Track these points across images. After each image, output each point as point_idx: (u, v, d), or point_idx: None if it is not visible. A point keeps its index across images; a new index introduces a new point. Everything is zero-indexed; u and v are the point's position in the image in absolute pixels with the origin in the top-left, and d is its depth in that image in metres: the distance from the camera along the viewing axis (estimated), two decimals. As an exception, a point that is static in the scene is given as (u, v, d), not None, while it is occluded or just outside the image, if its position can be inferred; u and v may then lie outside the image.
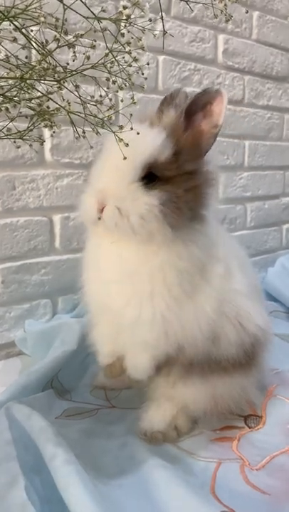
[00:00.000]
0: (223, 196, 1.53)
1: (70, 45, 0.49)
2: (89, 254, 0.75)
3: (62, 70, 0.53)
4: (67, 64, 0.52)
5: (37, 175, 1.08)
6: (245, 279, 0.79)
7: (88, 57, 0.50)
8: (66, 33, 0.49)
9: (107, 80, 0.58)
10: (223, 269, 0.74)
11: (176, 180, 0.66)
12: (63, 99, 0.55)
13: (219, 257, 0.74)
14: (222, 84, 1.47)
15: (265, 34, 1.59)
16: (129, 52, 0.52)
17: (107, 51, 0.53)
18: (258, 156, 1.64)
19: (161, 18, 0.68)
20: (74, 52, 0.50)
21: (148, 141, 0.65)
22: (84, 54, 0.52)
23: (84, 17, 0.48)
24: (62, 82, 0.51)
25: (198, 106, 0.67)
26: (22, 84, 0.50)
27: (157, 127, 0.67)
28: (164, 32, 0.71)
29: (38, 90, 0.54)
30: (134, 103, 0.62)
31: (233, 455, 0.73)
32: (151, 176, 0.65)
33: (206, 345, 0.72)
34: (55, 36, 0.48)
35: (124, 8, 0.48)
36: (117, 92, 0.59)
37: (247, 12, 1.50)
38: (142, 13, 0.50)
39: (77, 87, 0.52)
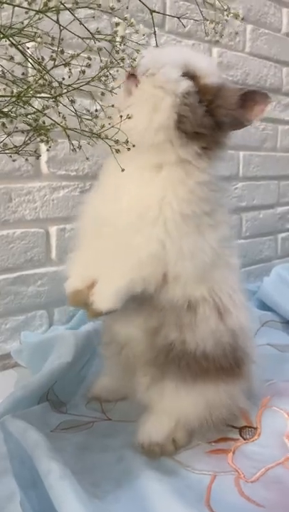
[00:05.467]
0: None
1: (67, 64, 0.50)
2: (105, 171, 0.75)
3: (57, 85, 0.54)
4: (63, 79, 0.53)
5: (33, 187, 1.09)
6: (238, 263, 0.79)
7: (84, 72, 0.51)
8: (62, 52, 0.50)
9: (102, 94, 0.59)
10: (227, 233, 0.74)
11: (206, 102, 0.68)
12: (59, 114, 0.56)
13: (228, 222, 0.75)
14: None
15: (258, 47, 1.62)
16: (123, 67, 0.53)
17: (102, 64, 0.54)
18: (253, 166, 1.66)
19: (154, 33, 0.69)
20: (70, 69, 0.51)
21: (203, 58, 0.71)
22: (80, 71, 0.53)
23: (80, 37, 0.49)
24: (58, 98, 0.52)
25: (245, 99, 0.70)
26: (18, 101, 0.51)
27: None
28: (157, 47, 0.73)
29: (34, 107, 0.55)
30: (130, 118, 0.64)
31: (228, 467, 0.73)
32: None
33: (182, 313, 0.71)
34: (52, 56, 0.49)
35: (117, 24, 0.49)
36: (113, 106, 0.60)
37: (236, 33, 1.53)
38: (136, 29, 0.51)
39: (72, 101, 0.53)
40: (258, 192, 1.70)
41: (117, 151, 0.58)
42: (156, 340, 0.74)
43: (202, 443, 0.79)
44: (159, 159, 0.69)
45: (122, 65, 0.54)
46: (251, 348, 0.80)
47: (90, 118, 0.57)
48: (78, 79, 0.53)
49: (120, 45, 0.52)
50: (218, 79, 0.70)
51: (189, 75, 0.67)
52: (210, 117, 0.68)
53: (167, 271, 0.68)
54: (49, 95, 0.53)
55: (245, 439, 0.81)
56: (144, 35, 0.59)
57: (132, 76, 0.66)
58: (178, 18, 0.69)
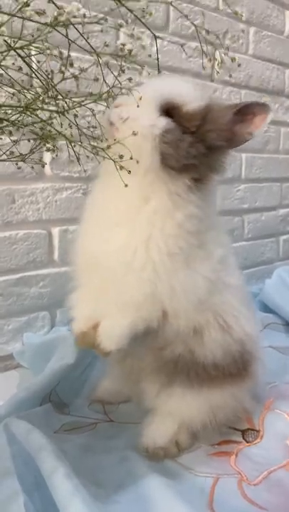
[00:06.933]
0: (220, 208, 1.54)
1: (75, 77, 0.50)
2: (93, 198, 0.74)
3: (64, 97, 0.54)
4: (69, 92, 0.53)
5: (36, 188, 1.10)
6: (239, 278, 0.79)
7: (91, 94, 0.51)
8: (72, 65, 0.50)
9: (108, 107, 0.59)
10: (221, 255, 0.73)
11: (192, 134, 0.66)
12: (62, 126, 0.56)
13: (221, 242, 0.75)
14: (219, 99, 1.49)
15: (261, 49, 1.62)
16: (130, 88, 0.54)
17: (108, 83, 0.54)
18: (255, 168, 1.66)
19: (158, 68, 0.69)
20: (77, 84, 0.51)
21: (181, 86, 0.69)
22: (89, 92, 0.54)
23: (87, 51, 0.49)
24: (63, 112, 0.52)
25: (243, 112, 0.69)
26: (25, 111, 0.52)
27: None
28: (158, 60, 0.73)
29: (39, 118, 0.55)
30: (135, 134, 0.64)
31: (230, 470, 0.73)
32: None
33: (189, 338, 0.71)
34: (60, 69, 0.49)
35: (123, 45, 0.49)
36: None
37: (243, 31, 1.53)
38: (143, 46, 0.52)
39: (76, 116, 0.53)
40: (261, 194, 1.70)
41: (121, 167, 0.59)
42: (162, 354, 0.75)
43: (205, 445, 0.79)
44: (148, 192, 0.67)
45: (128, 86, 0.54)
46: (257, 349, 0.80)
47: (92, 136, 0.57)
48: (86, 98, 0.54)
49: (128, 65, 0.52)
50: (202, 102, 0.68)
51: (169, 107, 0.66)
52: (200, 144, 0.66)
53: (165, 308, 0.68)
54: (55, 108, 0.53)
55: (247, 442, 0.80)
56: (150, 56, 0.59)
57: (111, 124, 0.65)
58: (181, 45, 0.69)
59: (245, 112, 0.69)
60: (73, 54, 0.53)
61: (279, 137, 1.75)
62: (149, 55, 0.61)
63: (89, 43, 0.49)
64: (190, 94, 0.68)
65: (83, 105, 0.52)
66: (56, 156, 0.60)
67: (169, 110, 0.66)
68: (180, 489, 0.66)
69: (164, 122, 0.65)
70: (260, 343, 0.85)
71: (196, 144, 0.66)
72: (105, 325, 0.69)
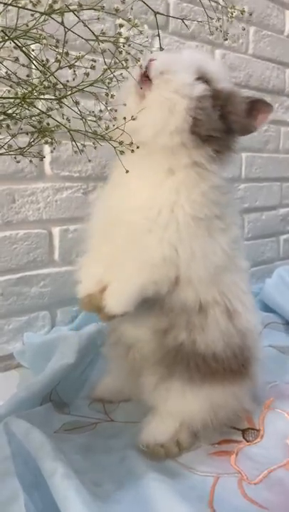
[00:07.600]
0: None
1: (71, 66, 0.50)
2: (118, 170, 0.74)
3: (62, 87, 0.54)
4: (67, 81, 0.53)
5: (37, 188, 1.10)
6: (247, 265, 0.80)
7: (88, 74, 0.51)
8: (67, 54, 0.50)
9: (106, 95, 0.59)
10: (236, 234, 0.75)
11: (218, 107, 0.69)
12: (63, 117, 0.56)
13: (236, 222, 0.76)
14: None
15: (261, 49, 1.62)
16: (126, 67, 0.53)
17: (105, 67, 0.54)
18: (255, 167, 1.66)
19: (158, 35, 0.69)
20: (74, 71, 0.51)
21: (215, 63, 0.75)
22: (84, 73, 0.53)
23: (84, 39, 0.49)
24: (62, 99, 0.52)
25: (250, 108, 0.72)
26: (23, 103, 0.52)
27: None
28: (161, 48, 0.74)
29: (38, 109, 0.55)
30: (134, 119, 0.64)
31: (231, 469, 0.73)
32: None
33: (193, 315, 0.71)
34: (57, 58, 0.49)
35: (121, 26, 0.49)
36: (116, 111, 0.61)
37: (244, 29, 1.53)
38: (140, 30, 0.51)
39: (77, 103, 0.53)
40: (261, 193, 1.70)
41: (122, 152, 0.58)
42: (165, 341, 0.74)
43: (205, 445, 0.79)
44: (171, 163, 0.68)
45: (125, 65, 0.54)
46: (257, 348, 0.80)
47: (94, 120, 0.57)
48: (83, 81, 0.54)
49: (124, 45, 0.52)
50: (229, 84, 0.71)
51: (203, 79, 0.68)
52: (222, 121, 0.69)
53: (179, 274, 0.67)
54: (53, 97, 0.53)
55: (248, 441, 0.81)
56: (147, 37, 0.59)
57: (145, 78, 0.66)
58: (181, 19, 0.69)
59: (253, 108, 0.72)
60: (71, 53, 0.53)
61: (279, 137, 1.75)
62: (151, 51, 0.61)
63: (88, 27, 0.49)
64: (222, 74, 0.72)
65: (81, 90, 0.52)
66: (54, 149, 0.60)
67: (203, 80, 0.68)
68: (180, 488, 0.66)
69: (202, 87, 0.67)
70: (261, 342, 0.85)
71: (220, 120, 0.69)
72: (113, 287, 0.66)
